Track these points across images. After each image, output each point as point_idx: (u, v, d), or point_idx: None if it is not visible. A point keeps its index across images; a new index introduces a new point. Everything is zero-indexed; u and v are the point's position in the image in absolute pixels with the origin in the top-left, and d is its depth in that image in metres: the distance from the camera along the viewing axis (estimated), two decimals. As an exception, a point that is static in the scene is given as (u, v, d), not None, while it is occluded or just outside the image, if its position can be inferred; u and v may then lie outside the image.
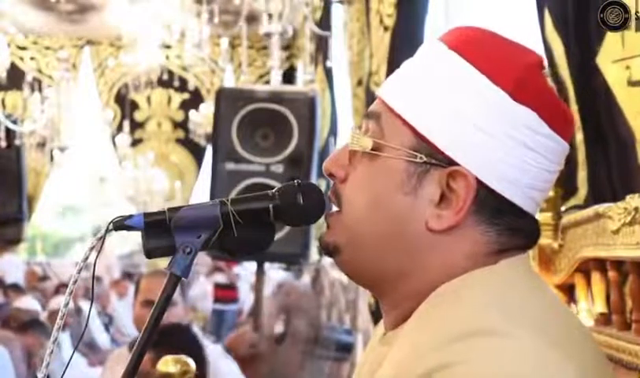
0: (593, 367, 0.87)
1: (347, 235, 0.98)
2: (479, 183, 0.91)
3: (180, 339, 2.54)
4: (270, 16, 5.03)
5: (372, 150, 0.96)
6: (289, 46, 9.14)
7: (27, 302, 6.30)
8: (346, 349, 3.70)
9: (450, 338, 0.82)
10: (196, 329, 3.15)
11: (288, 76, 8.49)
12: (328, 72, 6.38)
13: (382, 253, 0.96)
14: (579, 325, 0.95)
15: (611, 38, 1.78)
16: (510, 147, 0.91)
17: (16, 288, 7.43)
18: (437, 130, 0.92)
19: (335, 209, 1.02)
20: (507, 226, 0.94)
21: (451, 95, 0.92)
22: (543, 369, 0.80)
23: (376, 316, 3.89)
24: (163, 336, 2.43)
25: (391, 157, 0.95)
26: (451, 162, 0.92)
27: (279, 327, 3.70)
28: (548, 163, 0.94)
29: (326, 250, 1.01)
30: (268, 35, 5.14)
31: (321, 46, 5.60)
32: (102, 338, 7.74)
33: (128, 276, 9.70)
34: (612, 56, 1.79)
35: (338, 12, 5.37)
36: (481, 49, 0.94)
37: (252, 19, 6.58)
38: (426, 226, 0.93)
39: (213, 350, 3.00)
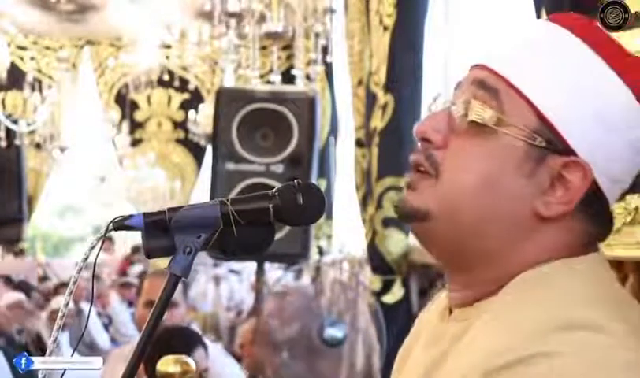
0: None
1: (443, 205, 0.94)
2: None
3: (181, 342, 2.53)
4: (271, 15, 5.03)
5: (493, 125, 0.92)
6: (289, 46, 9.13)
7: (12, 296, 6.14)
8: (336, 344, 3.68)
9: (549, 327, 0.82)
10: (196, 329, 3.15)
11: (288, 76, 8.49)
12: (328, 70, 6.38)
13: (482, 231, 0.93)
14: None
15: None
16: (623, 147, 0.92)
17: (25, 285, 7.38)
18: (561, 116, 0.91)
19: (410, 174, 0.97)
20: (598, 217, 0.94)
21: (578, 85, 0.91)
22: (637, 366, 0.81)
23: (377, 316, 3.89)
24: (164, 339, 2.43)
25: (510, 135, 0.91)
26: (568, 151, 0.91)
27: (280, 327, 3.69)
28: None
29: (411, 213, 0.96)
30: (268, 35, 5.14)
31: (321, 45, 5.60)
32: (102, 338, 7.73)
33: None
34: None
35: (338, 11, 5.37)
36: (611, 45, 0.94)
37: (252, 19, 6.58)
38: (532, 211, 0.92)
39: (214, 350, 3.00)
